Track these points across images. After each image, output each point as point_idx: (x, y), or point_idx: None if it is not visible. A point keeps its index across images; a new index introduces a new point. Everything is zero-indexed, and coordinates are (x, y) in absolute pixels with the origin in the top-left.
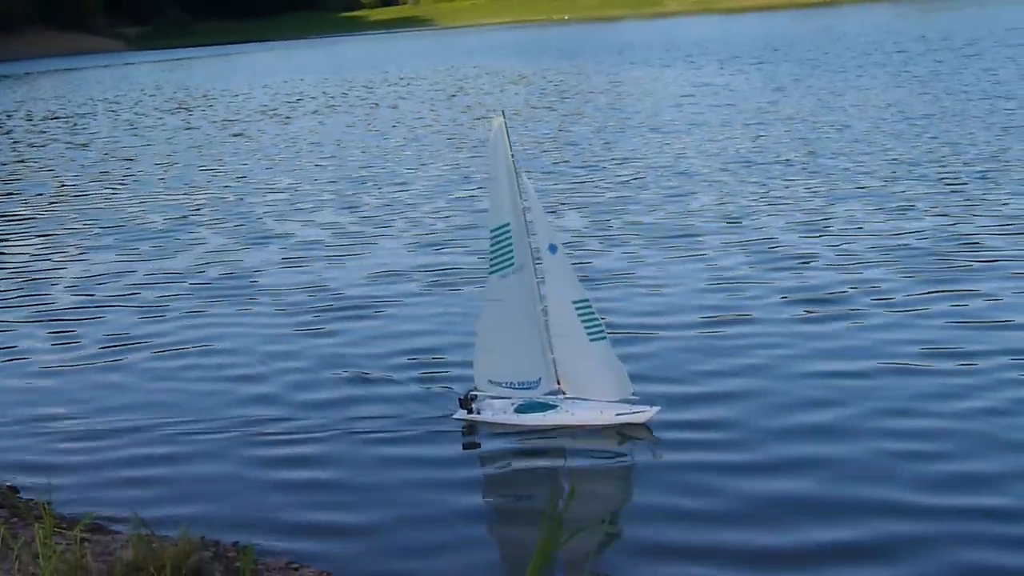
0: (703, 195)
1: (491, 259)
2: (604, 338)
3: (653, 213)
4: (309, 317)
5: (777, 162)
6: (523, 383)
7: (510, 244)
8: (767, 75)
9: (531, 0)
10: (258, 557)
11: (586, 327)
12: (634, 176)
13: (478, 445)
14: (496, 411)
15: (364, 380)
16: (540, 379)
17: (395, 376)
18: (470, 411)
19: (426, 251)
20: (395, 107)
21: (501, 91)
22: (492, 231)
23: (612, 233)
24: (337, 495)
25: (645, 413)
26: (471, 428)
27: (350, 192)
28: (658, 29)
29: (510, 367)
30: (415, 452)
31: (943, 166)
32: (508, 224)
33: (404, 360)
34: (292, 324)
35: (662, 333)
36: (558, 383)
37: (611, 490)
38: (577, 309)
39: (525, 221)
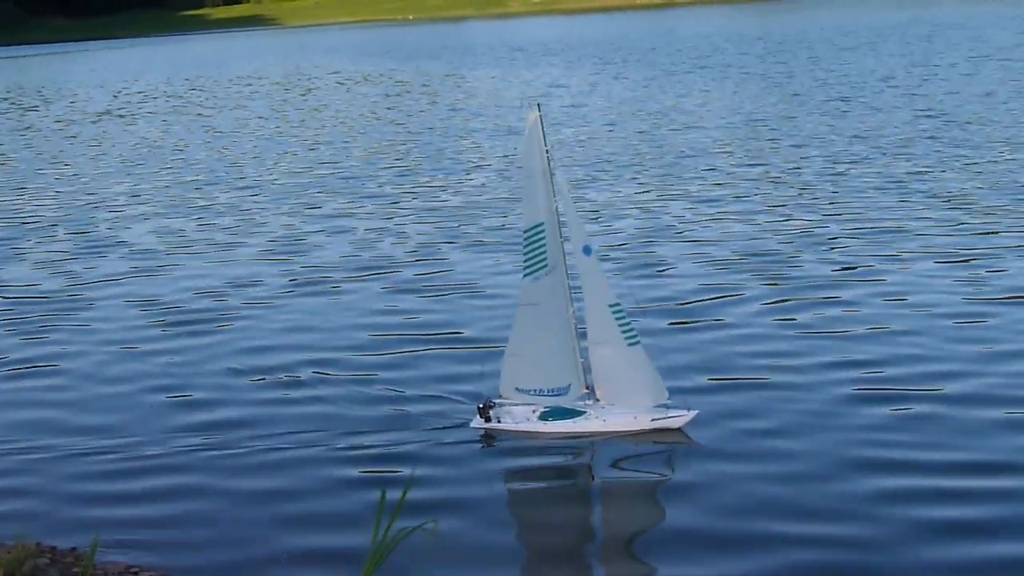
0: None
1: (525, 261)
2: (639, 343)
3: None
4: (154, 331)
5: (632, 164)
6: (553, 390)
7: (544, 245)
8: (614, 76)
9: (375, 0)
10: (97, 562)
11: (623, 332)
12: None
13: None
14: (517, 418)
15: (221, 388)
16: (570, 385)
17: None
18: (488, 419)
19: (278, 256)
20: (241, 107)
21: (348, 91)
22: (526, 232)
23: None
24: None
25: (682, 417)
26: (489, 436)
27: (194, 196)
28: (503, 30)
29: (540, 374)
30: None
31: (783, 168)
32: (543, 224)
33: (272, 370)
34: (130, 340)
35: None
36: (587, 389)
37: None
38: (613, 313)
39: (558, 220)
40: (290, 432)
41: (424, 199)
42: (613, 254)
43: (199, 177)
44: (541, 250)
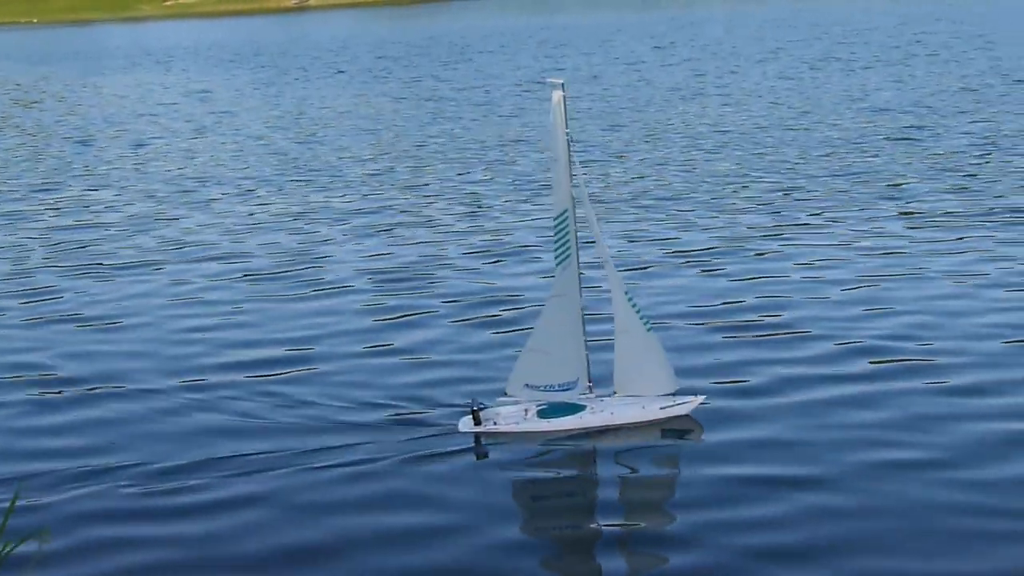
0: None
1: (555, 250)
2: (653, 329)
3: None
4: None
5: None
6: (563, 384)
7: (568, 232)
8: (247, 82)
9: None
10: None
11: (642, 319)
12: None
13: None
14: (513, 419)
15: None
16: (577, 379)
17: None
18: (478, 422)
19: None
20: None
21: None
22: (555, 219)
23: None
24: None
25: (690, 404)
26: (479, 440)
27: None
28: (133, 34)
29: (555, 368)
30: None
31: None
32: (567, 211)
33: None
34: None
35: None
36: (590, 383)
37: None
38: (629, 300)
39: (574, 205)
40: (270, 435)
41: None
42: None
43: None
44: (567, 238)
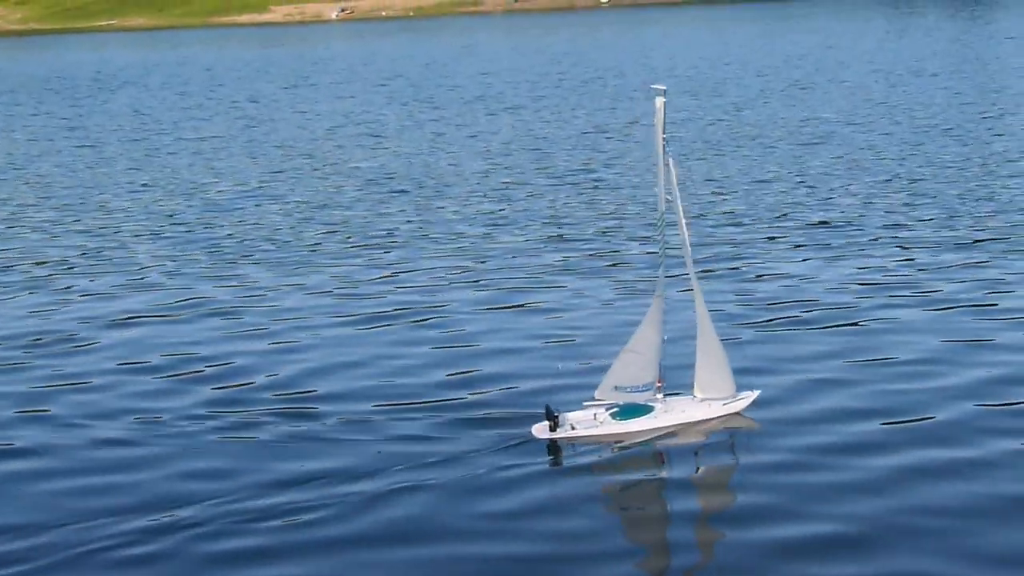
0: None
1: (659, 250)
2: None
3: None
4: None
5: None
6: (644, 385)
7: (664, 234)
8: None
9: None
10: None
11: (711, 322)
12: None
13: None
14: (586, 423)
15: None
16: (652, 380)
17: None
18: (553, 428)
19: None
20: None
21: None
22: (658, 218)
23: None
24: None
25: (747, 399)
26: (555, 448)
27: None
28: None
29: (643, 370)
30: None
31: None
32: (663, 213)
33: None
34: None
35: None
36: (660, 383)
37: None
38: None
39: (664, 207)
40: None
41: None
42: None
43: None
44: (663, 238)
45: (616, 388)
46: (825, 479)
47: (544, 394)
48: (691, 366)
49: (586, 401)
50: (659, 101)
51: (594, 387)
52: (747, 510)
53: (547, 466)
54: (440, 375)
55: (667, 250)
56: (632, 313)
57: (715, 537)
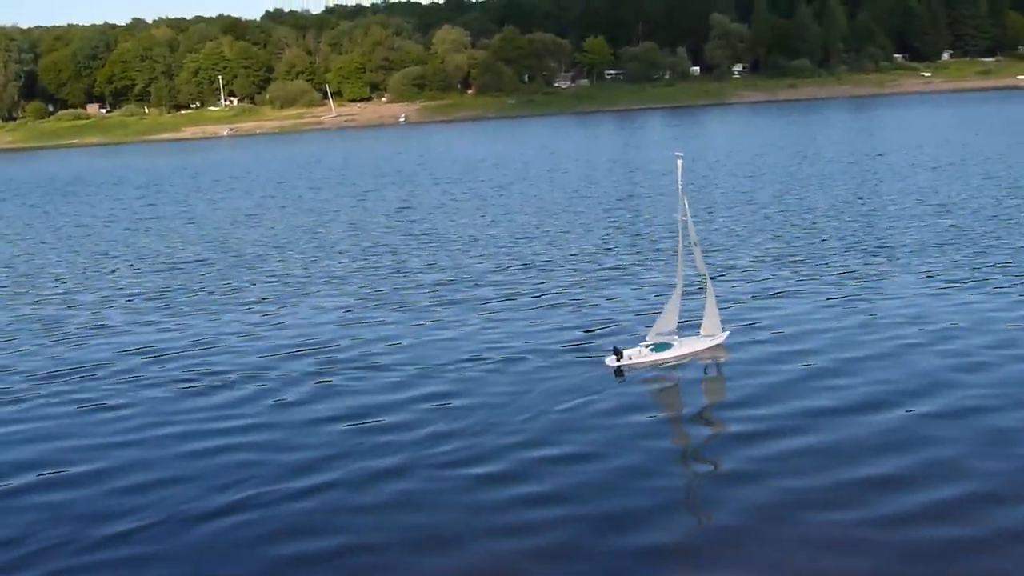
0: None
1: (680, 255)
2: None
3: None
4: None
5: None
6: (671, 331)
7: (678, 237)
8: None
9: None
10: None
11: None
12: None
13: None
14: (637, 356)
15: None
16: (674, 329)
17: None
18: (620, 357)
19: None
20: None
21: None
22: (679, 231)
23: None
24: None
25: (723, 335)
26: (620, 371)
27: None
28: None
29: (670, 324)
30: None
31: None
32: (682, 226)
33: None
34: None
35: None
36: (676, 329)
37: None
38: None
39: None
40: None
41: None
42: None
43: None
44: (681, 246)
45: (657, 334)
46: (775, 380)
47: (613, 340)
48: (697, 320)
49: (620, 346)
50: (679, 163)
51: (642, 338)
52: (734, 401)
53: (615, 380)
54: (563, 335)
55: (684, 253)
56: (663, 297)
57: (718, 416)
